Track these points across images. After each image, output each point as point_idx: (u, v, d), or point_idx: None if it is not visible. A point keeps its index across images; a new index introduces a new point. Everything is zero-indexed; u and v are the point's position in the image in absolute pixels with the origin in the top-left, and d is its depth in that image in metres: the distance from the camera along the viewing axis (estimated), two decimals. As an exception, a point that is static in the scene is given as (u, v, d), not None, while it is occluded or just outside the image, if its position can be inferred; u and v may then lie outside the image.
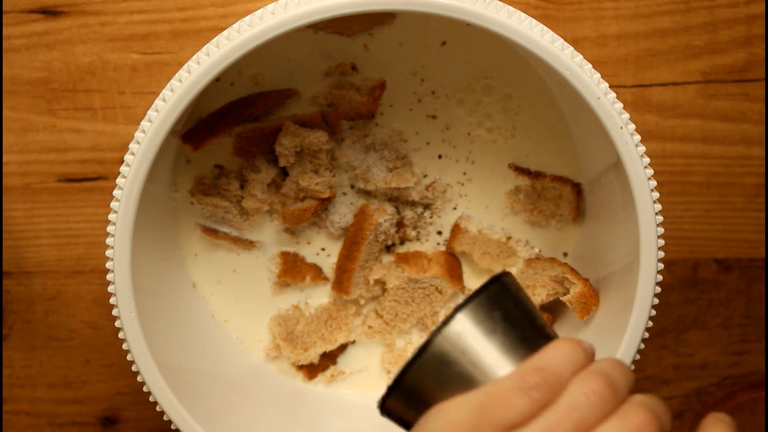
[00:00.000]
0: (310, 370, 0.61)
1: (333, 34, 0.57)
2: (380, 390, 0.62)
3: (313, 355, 0.61)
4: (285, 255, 0.60)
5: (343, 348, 0.62)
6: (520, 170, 0.60)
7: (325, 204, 0.59)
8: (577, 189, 0.59)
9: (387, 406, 0.41)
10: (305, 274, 0.61)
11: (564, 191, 0.60)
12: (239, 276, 0.61)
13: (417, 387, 0.40)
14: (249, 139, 0.58)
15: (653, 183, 0.50)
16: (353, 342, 0.62)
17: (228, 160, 0.59)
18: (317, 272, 0.61)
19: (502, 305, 0.40)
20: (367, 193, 0.60)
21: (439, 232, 0.61)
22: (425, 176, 0.60)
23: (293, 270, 0.60)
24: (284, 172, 0.59)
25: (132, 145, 0.49)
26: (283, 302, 0.61)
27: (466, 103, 0.59)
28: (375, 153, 0.59)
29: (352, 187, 0.60)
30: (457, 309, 0.40)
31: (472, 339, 0.39)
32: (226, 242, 0.60)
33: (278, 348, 0.61)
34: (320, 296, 0.62)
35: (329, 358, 0.62)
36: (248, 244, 0.60)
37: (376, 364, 0.62)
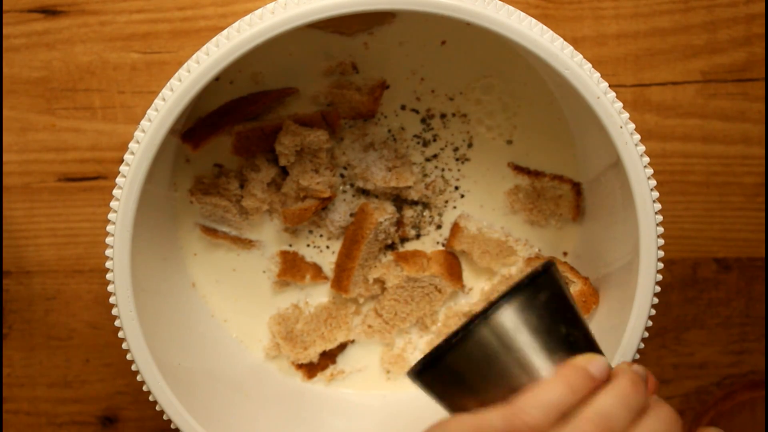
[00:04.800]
0: (310, 369, 0.61)
1: (333, 33, 0.57)
2: (379, 389, 0.62)
3: (312, 354, 0.61)
4: (285, 254, 0.60)
5: (342, 347, 0.62)
6: (519, 169, 0.60)
7: (325, 203, 0.59)
8: (577, 189, 0.59)
9: (419, 376, 0.41)
10: (305, 273, 0.61)
11: (564, 190, 0.60)
12: (239, 275, 0.61)
13: (451, 367, 0.40)
14: (249, 138, 0.58)
15: (653, 182, 0.50)
16: (353, 341, 0.62)
17: (227, 159, 0.59)
18: (317, 271, 0.61)
19: (548, 299, 0.40)
20: (366, 192, 0.60)
21: (439, 227, 0.61)
22: (425, 175, 0.60)
23: (293, 269, 0.60)
24: (284, 172, 0.59)
25: (132, 145, 0.49)
26: (282, 301, 0.61)
27: (466, 103, 0.59)
28: (374, 152, 0.59)
29: (352, 185, 0.60)
30: (503, 297, 0.39)
31: (515, 333, 0.39)
32: (225, 241, 0.60)
33: (278, 347, 0.61)
34: (320, 295, 0.62)
35: (329, 358, 0.62)
36: (247, 244, 0.60)
37: (376, 364, 0.62)
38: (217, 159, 0.59)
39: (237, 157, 0.59)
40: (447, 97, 0.59)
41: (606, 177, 0.55)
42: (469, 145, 0.60)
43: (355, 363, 0.62)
